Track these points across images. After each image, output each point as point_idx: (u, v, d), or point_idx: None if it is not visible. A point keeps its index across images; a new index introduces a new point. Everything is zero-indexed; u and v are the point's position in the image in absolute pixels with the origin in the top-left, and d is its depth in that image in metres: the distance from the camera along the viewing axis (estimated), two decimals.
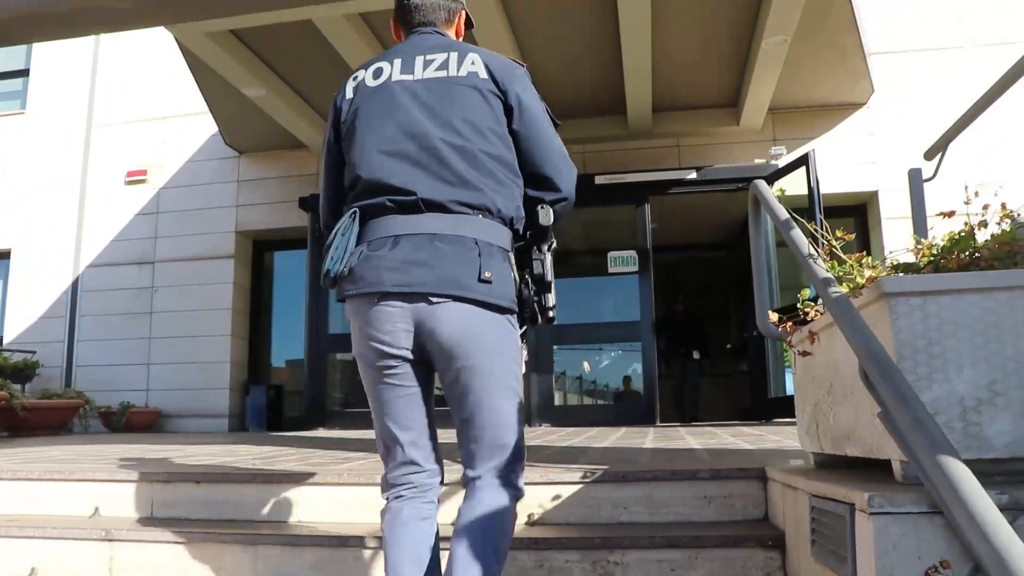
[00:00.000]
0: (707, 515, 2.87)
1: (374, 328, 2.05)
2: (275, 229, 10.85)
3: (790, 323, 2.52)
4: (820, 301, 2.40)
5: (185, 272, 10.84)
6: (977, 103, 3.00)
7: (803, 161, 8.41)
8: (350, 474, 3.07)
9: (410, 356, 2.07)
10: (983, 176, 9.23)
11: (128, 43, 11.39)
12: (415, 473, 2.17)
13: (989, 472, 1.82)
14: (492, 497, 2.08)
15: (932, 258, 2.01)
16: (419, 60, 2.20)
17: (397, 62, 2.22)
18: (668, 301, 11.84)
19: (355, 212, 2.08)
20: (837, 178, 9.40)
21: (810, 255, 2.10)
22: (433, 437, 2.22)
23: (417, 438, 2.17)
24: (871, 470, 2.23)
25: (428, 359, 2.10)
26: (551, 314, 2.19)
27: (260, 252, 11.40)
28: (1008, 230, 1.93)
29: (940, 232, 2.16)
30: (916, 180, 3.18)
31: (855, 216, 10.10)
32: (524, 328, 2.20)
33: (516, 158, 2.16)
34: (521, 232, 2.17)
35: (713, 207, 10.40)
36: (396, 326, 2.03)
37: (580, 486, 2.90)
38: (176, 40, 7.90)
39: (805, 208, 9.61)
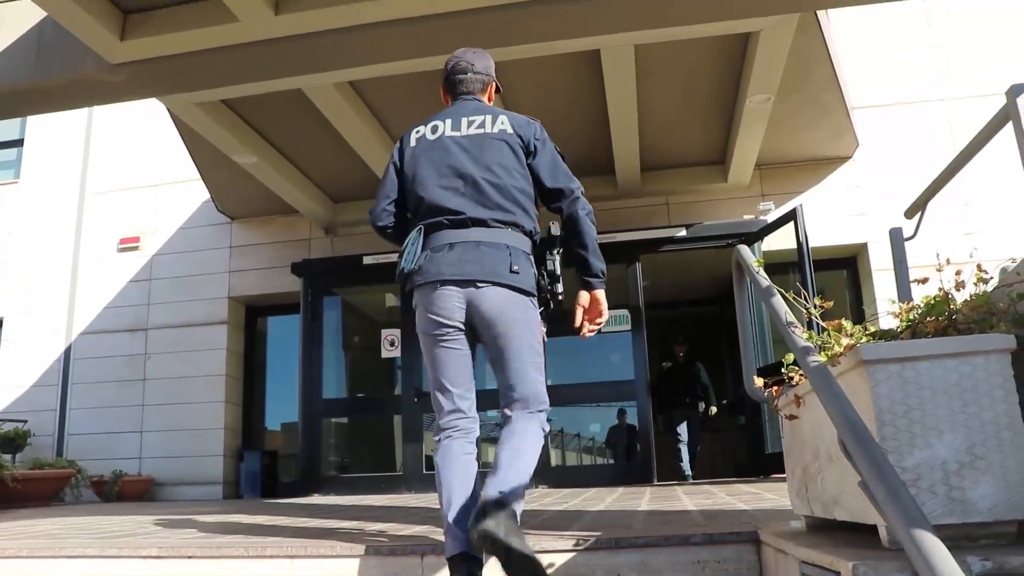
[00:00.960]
0: None
1: (436, 306, 2.86)
2: (268, 294, 10.87)
3: (775, 387, 2.53)
4: None
5: (178, 338, 10.83)
6: (953, 163, 3.05)
7: (791, 216, 8.49)
8: (342, 546, 3.05)
9: (461, 326, 2.87)
10: (970, 225, 9.41)
11: (121, 112, 11.54)
12: (461, 419, 2.90)
13: (975, 536, 1.83)
14: (523, 424, 2.82)
15: (910, 322, 2.03)
16: (464, 120, 3.05)
17: (448, 122, 3.08)
18: (667, 343, 10.98)
19: (420, 229, 2.92)
20: (826, 231, 9.49)
21: (790, 324, 2.12)
22: (473, 394, 2.96)
23: (464, 392, 2.92)
24: (862, 534, 2.23)
25: (474, 328, 2.89)
26: (560, 298, 3.04)
27: (253, 317, 11.41)
28: (981, 294, 1.95)
29: (925, 290, 2.19)
30: (897, 239, 3.22)
31: (846, 268, 10.18)
32: (542, 308, 3.00)
33: (534, 190, 3.00)
34: (537, 242, 3.00)
35: (704, 263, 10.44)
36: (452, 303, 2.84)
37: (573, 554, 2.88)
38: (168, 110, 8.01)
39: (795, 262, 9.70)
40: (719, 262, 10.17)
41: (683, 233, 9.39)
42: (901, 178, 9.74)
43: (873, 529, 2.00)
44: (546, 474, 9.11)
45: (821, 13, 7.19)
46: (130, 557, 3.21)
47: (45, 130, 12.15)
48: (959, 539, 1.78)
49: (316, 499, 8.41)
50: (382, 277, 10.22)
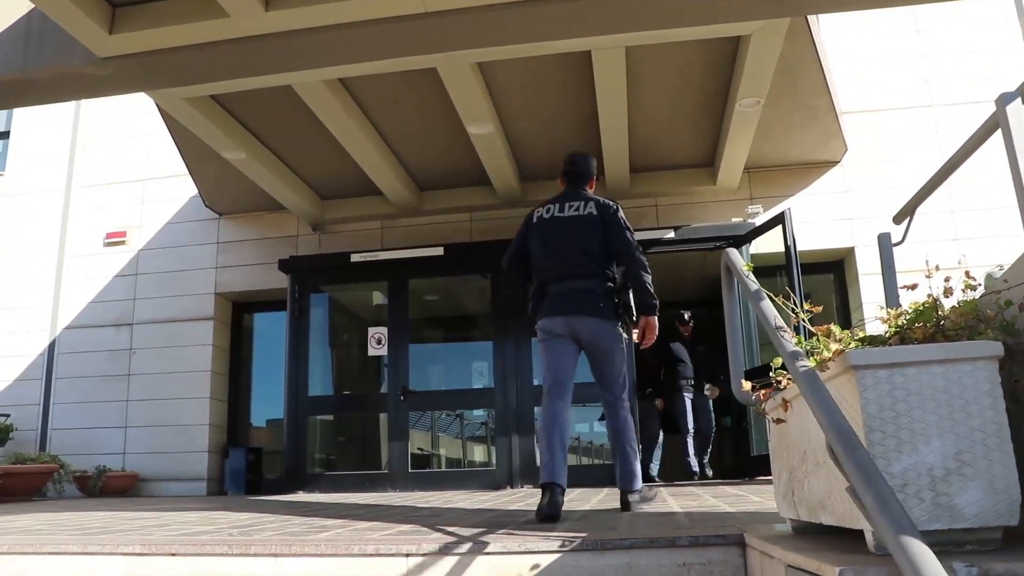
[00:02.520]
0: None
1: (552, 327, 4.38)
2: (254, 291, 10.83)
3: (763, 391, 2.53)
4: None
5: (164, 334, 10.78)
6: (942, 169, 3.06)
7: (779, 220, 8.51)
8: (327, 544, 3.03)
9: (565, 335, 4.34)
10: (956, 231, 9.46)
11: (108, 106, 11.47)
12: (559, 385, 4.35)
13: (961, 542, 1.83)
14: (619, 410, 4.52)
15: (898, 328, 2.04)
16: (567, 205, 4.55)
17: (556, 206, 4.57)
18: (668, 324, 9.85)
19: (539, 283, 4.49)
20: (814, 235, 9.52)
21: (778, 328, 2.12)
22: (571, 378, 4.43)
23: (566, 377, 4.39)
24: (847, 538, 2.23)
25: (579, 342, 4.38)
26: (634, 318, 4.43)
27: (239, 313, 11.37)
28: (969, 300, 1.96)
29: (913, 296, 2.19)
30: (886, 244, 3.22)
31: (833, 272, 10.22)
32: (621, 324, 4.47)
33: (610, 252, 4.41)
34: (615, 285, 4.41)
35: (692, 265, 10.45)
36: (560, 326, 4.36)
37: (559, 555, 2.88)
38: (156, 104, 7.97)
39: (782, 266, 9.72)
40: (707, 264, 10.20)
41: (671, 235, 9.40)
42: (888, 183, 9.80)
43: (859, 534, 2.00)
44: (531, 474, 9.10)
45: (811, 18, 7.22)
46: (112, 554, 3.19)
47: (31, 123, 12.06)
48: (945, 545, 1.79)
49: (301, 496, 8.39)
50: (369, 275, 10.21)
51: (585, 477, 9.33)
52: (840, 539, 2.29)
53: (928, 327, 2.01)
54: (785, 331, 2.10)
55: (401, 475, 9.32)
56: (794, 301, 2.30)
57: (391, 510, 5.34)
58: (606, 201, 4.52)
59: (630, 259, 4.33)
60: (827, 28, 8.95)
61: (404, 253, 9.80)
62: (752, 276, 2.60)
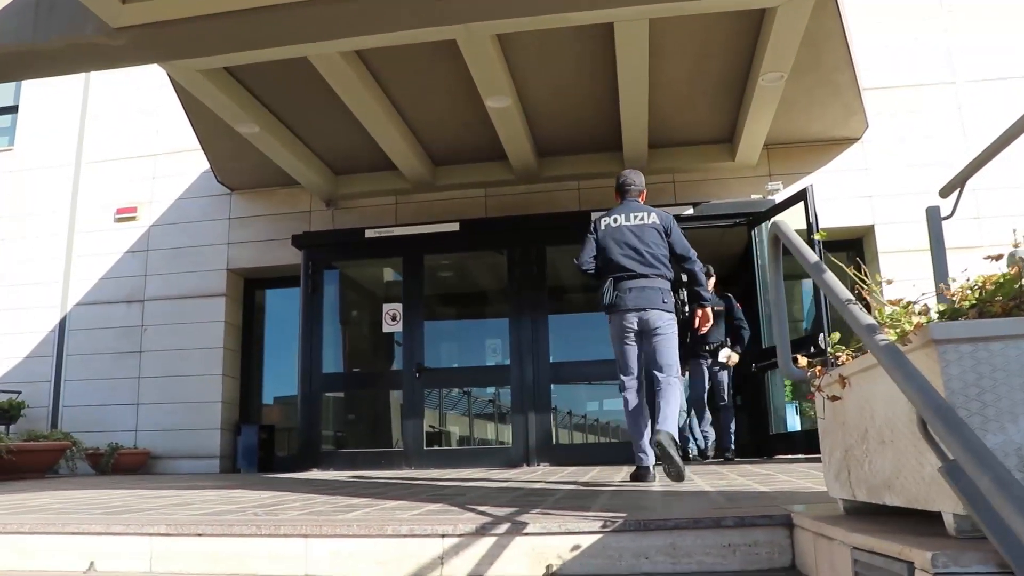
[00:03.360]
0: (731, 564, 2.76)
1: (625, 321, 5.10)
2: (267, 267, 10.74)
3: (818, 367, 2.43)
4: (851, 346, 2.31)
5: (175, 310, 10.70)
6: (996, 142, 2.92)
7: (801, 197, 8.38)
8: (359, 524, 2.94)
9: (636, 330, 5.10)
10: (978, 209, 9.31)
11: (119, 79, 11.32)
12: (633, 380, 5.17)
13: None
14: (670, 385, 5.04)
15: (976, 302, 1.93)
16: (632, 215, 5.26)
17: (623, 215, 5.27)
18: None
19: (611, 280, 5.14)
20: (832, 212, 9.37)
21: (848, 300, 1.99)
22: (641, 370, 5.20)
23: (636, 369, 5.17)
24: (913, 520, 2.14)
25: (643, 333, 5.10)
26: (686, 312, 5.40)
27: (251, 290, 11.28)
28: None
29: (975, 270, 2.08)
30: (934, 218, 3.09)
31: (851, 250, 10.07)
32: (679, 317, 5.29)
33: (670, 256, 5.21)
34: (673, 282, 5.21)
35: (710, 242, 10.30)
36: (632, 321, 5.08)
37: (600, 535, 2.79)
38: (169, 76, 7.84)
39: (808, 242, 9.59)
40: (725, 241, 10.08)
41: (690, 211, 9.26)
42: (910, 161, 9.66)
43: (927, 516, 1.91)
44: (548, 452, 9.04)
45: None
46: (137, 534, 3.10)
47: (40, 97, 11.93)
48: None
49: (316, 474, 8.32)
50: (384, 250, 10.11)
51: (598, 456, 9.26)
52: (903, 520, 2.19)
53: (1008, 302, 1.90)
54: (855, 303, 1.98)
55: (416, 453, 9.25)
56: (866, 273, 2.18)
57: (414, 488, 5.26)
58: (666, 213, 5.35)
59: (690, 262, 5.26)
60: (850, 2, 8.77)
61: (419, 229, 9.69)
62: (807, 249, 2.47)
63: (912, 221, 9.20)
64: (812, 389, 2.52)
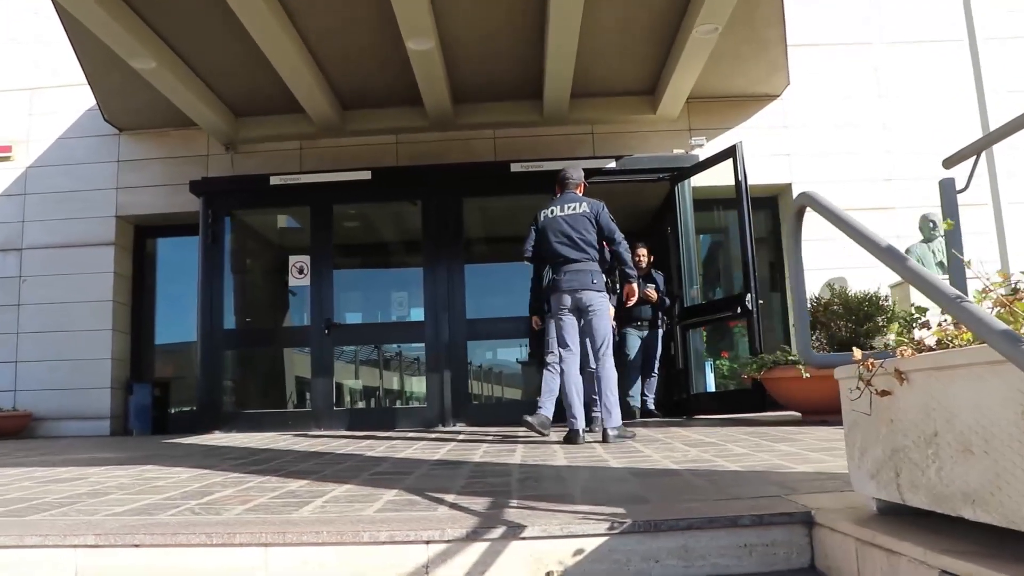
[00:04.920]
0: (748, 566, 2.52)
1: (561, 302, 5.74)
2: (160, 214, 9.98)
3: (870, 361, 2.18)
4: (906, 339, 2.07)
5: (59, 260, 9.83)
6: (1016, 120, 2.72)
7: (730, 153, 8.24)
8: (328, 531, 2.56)
9: (571, 307, 5.73)
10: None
11: None
12: (570, 352, 5.78)
13: None
14: (606, 365, 5.66)
15: None
16: (567, 206, 5.87)
17: (559, 206, 5.90)
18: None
19: (551, 266, 5.87)
20: (751, 170, 9.21)
21: (957, 298, 1.70)
22: (577, 342, 5.84)
23: (572, 343, 5.79)
24: (954, 525, 1.93)
25: (577, 312, 5.74)
26: (617, 290, 6.38)
27: (141, 238, 10.49)
28: None
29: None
30: (948, 191, 2.88)
31: (766, 208, 10.05)
32: (610, 295, 6.06)
33: (599, 241, 5.83)
34: (604, 267, 5.91)
35: (629, 196, 10.10)
36: (566, 300, 5.73)
37: (606, 538, 2.50)
38: (54, 2, 7.03)
39: (719, 199, 9.50)
40: (643, 195, 9.90)
41: (612, 165, 9.01)
42: (828, 120, 9.66)
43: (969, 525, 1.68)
44: (464, 412, 8.76)
45: None
46: (58, 546, 2.61)
47: None
48: None
49: (220, 438, 7.80)
50: (290, 199, 9.55)
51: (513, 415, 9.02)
52: (960, 529, 1.98)
53: None
54: (966, 300, 1.70)
55: (326, 413, 8.80)
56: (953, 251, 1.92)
57: (343, 461, 4.87)
58: (596, 201, 5.91)
59: (617, 244, 5.81)
60: None
61: (329, 176, 9.12)
62: (868, 229, 2.17)
63: (830, 180, 9.24)
64: (858, 382, 2.27)
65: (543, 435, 5.96)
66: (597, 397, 5.84)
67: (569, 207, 5.85)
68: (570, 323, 5.78)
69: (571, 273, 5.71)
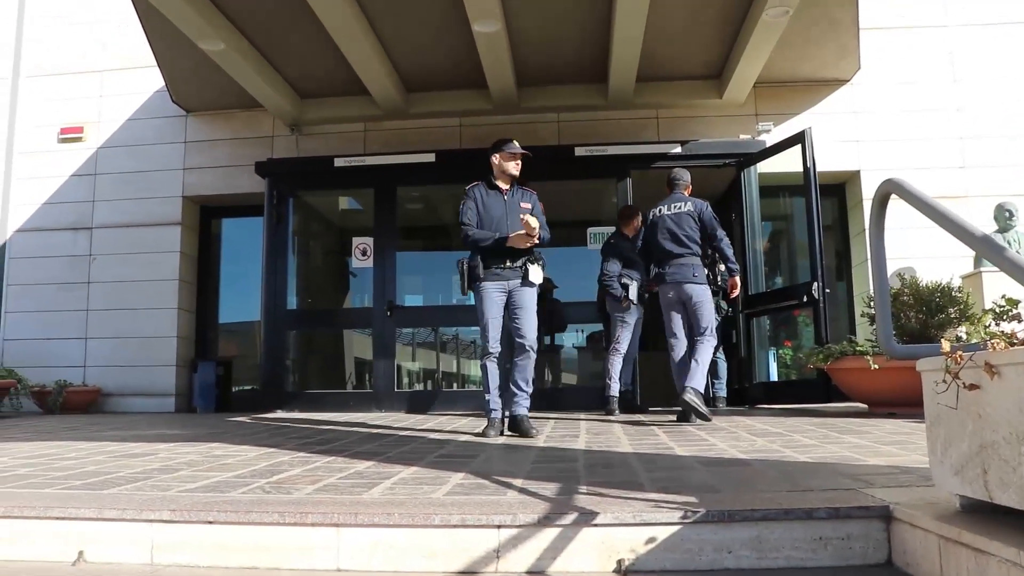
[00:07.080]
0: (822, 559, 2.47)
1: (668, 293, 6.25)
2: (225, 195, 10.11)
3: (959, 354, 2.10)
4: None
5: (126, 239, 10.04)
6: None
7: (799, 139, 8.07)
8: (400, 513, 2.56)
9: (676, 298, 6.24)
10: (964, 159, 9.13)
11: None
12: (678, 341, 6.35)
13: None
14: (705, 344, 6.02)
15: None
16: (674, 205, 6.33)
17: (666, 205, 6.36)
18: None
19: (655, 262, 6.47)
20: (818, 156, 9.04)
21: None
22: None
23: (681, 334, 6.36)
24: None
25: (680, 303, 6.23)
26: (720, 283, 6.98)
27: (207, 218, 10.64)
28: None
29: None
30: None
31: (834, 196, 9.84)
32: (713, 288, 6.63)
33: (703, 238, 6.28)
34: (706, 260, 6.38)
35: (692, 183, 9.97)
36: (671, 292, 6.23)
37: (679, 527, 2.46)
38: None
39: (786, 187, 9.31)
40: (709, 180, 9.73)
41: (678, 150, 8.88)
42: (899, 107, 9.39)
43: None
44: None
45: None
46: (136, 520, 2.67)
47: None
48: None
49: (283, 417, 7.90)
50: (354, 180, 9.57)
51: (562, 401, 8.99)
52: None
53: None
54: None
55: (387, 395, 8.85)
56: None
57: (407, 443, 4.89)
58: (701, 201, 6.34)
59: (720, 241, 6.19)
60: None
61: (393, 159, 9.13)
62: (962, 219, 2.09)
63: (900, 168, 8.99)
64: (945, 375, 2.19)
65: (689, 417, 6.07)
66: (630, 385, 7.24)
67: (675, 206, 6.30)
68: (675, 314, 6.26)
69: (675, 267, 6.17)
